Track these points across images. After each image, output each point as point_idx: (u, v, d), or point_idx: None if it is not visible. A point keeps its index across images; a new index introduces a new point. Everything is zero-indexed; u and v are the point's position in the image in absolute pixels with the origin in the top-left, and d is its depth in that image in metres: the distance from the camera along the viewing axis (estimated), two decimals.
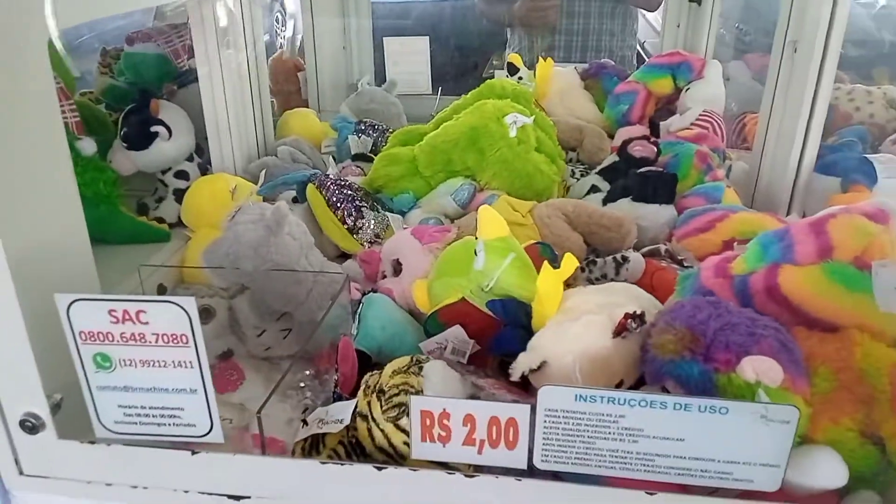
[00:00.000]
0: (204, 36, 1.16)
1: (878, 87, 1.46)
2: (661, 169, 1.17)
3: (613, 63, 1.76)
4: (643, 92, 1.56)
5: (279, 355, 0.98)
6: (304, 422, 0.73)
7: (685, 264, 0.99)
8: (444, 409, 0.59)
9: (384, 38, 1.88)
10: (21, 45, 0.61)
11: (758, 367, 0.56)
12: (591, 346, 0.64)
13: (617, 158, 1.27)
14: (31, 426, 0.64)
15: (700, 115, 1.44)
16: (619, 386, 0.68)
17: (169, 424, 0.63)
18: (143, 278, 0.94)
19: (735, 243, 0.95)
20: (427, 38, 1.84)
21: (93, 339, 0.60)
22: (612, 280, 0.93)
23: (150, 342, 0.60)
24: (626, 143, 1.27)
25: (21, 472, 0.67)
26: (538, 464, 0.60)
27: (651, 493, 0.59)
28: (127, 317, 0.59)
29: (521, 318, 0.75)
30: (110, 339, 0.60)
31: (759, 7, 2.63)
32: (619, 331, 0.64)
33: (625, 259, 0.94)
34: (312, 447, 0.70)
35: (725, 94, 1.51)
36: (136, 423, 0.63)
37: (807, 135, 1.04)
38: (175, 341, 0.60)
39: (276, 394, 0.96)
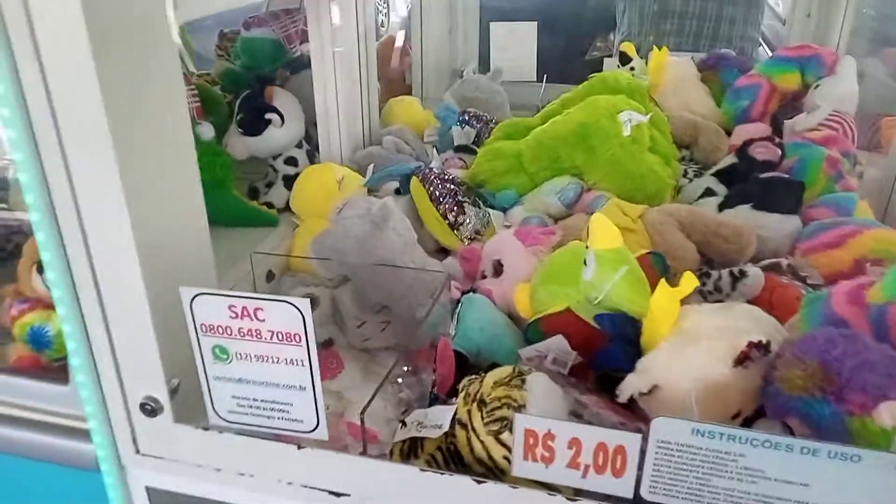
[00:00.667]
0: (318, 24, 1.17)
1: None
2: (786, 175, 1.09)
3: (734, 54, 1.65)
4: (767, 87, 1.45)
5: (377, 347, 1.00)
6: (403, 423, 0.74)
7: (808, 282, 0.92)
8: (549, 430, 0.57)
9: (491, 23, 1.84)
10: (149, 33, 0.62)
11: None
12: (710, 374, 0.61)
13: (736, 160, 1.19)
14: (150, 409, 0.67)
15: (829, 115, 1.33)
16: (735, 417, 0.64)
17: (278, 418, 0.65)
18: (254, 264, 0.97)
19: (868, 264, 0.88)
20: (535, 23, 1.79)
21: (213, 331, 0.62)
22: (728, 295, 0.88)
23: (266, 338, 0.61)
24: (746, 143, 1.19)
25: (137, 451, 0.71)
26: (646, 494, 0.57)
27: None
28: (245, 313, 0.60)
29: (629, 334, 0.72)
30: (229, 332, 0.62)
31: None
32: (742, 360, 0.60)
33: (742, 273, 0.89)
34: (411, 450, 0.71)
35: (859, 92, 1.39)
36: (247, 414, 0.66)
37: None
38: (289, 339, 0.61)
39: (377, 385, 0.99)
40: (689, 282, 0.66)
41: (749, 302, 0.81)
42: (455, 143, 1.33)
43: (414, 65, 1.76)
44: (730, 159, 1.22)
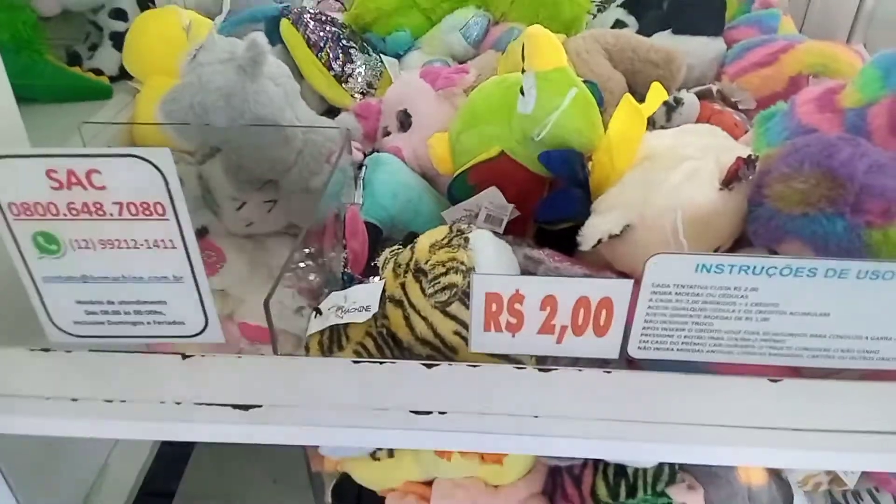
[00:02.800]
0: None
1: None
2: None
3: None
4: None
5: (263, 232, 0.82)
6: (317, 311, 0.59)
7: (740, 107, 0.84)
8: (518, 291, 0.45)
9: None
10: None
11: None
12: (695, 201, 0.50)
13: None
14: None
15: None
16: (715, 251, 0.54)
17: (148, 322, 0.48)
18: (86, 140, 0.74)
19: (810, 77, 0.81)
20: None
21: (29, 212, 0.43)
22: (663, 127, 0.78)
23: (112, 214, 0.43)
24: None
25: None
26: (634, 352, 0.47)
27: (775, 380, 0.47)
28: (74, 180, 0.41)
29: (580, 175, 0.60)
30: (53, 211, 0.43)
31: None
32: (730, 179, 0.50)
33: (678, 101, 0.79)
34: (332, 341, 0.56)
35: None
36: (102, 323, 0.48)
37: None
38: (146, 212, 0.43)
39: (270, 278, 0.82)
40: (658, 94, 0.54)
41: None
42: None
43: None
44: None
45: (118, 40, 0.97)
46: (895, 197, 0.45)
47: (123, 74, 0.95)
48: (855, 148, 0.48)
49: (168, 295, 0.47)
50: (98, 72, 0.98)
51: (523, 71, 0.60)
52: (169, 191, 0.42)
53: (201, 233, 0.81)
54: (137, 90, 0.91)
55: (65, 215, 0.43)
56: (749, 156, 0.50)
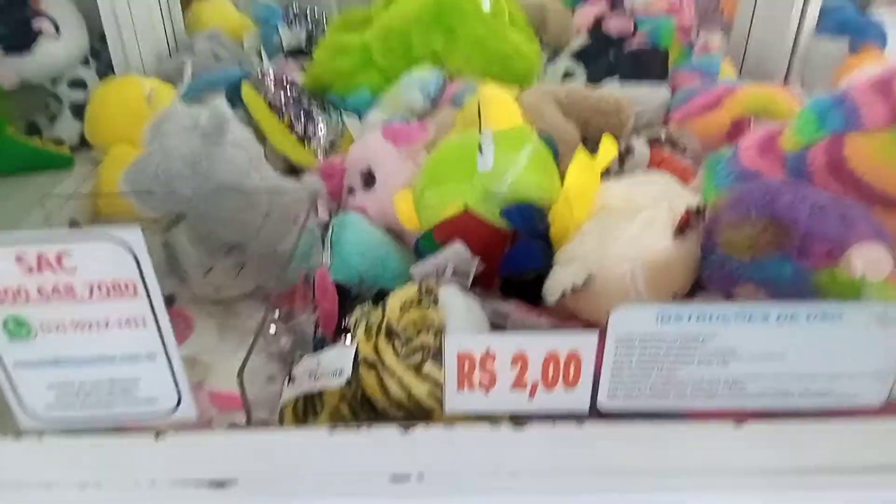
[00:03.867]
0: None
1: None
2: (646, 45, 1.04)
3: None
4: None
5: (232, 295, 0.82)
6: (290, 377, 0.59)
7: (688, 150, 0.88)
8: (489, 349, 0.46)
9: None
10: None
11: (867, 257, 0.46)
12: (651, 250, 0.52)
13: (589, 38, 1.13)
14: None
15: None
16: (673, 298, 0.56)
17: (122, 402, 0.48)
18: (48, 213, 0.74)
19: (751, 120, 0.85)
20: None
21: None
22: (617, 173, 0.82)
23: (82, 295, 0.43)
24: (598, 19, 1.13)
25: None
26: (604, 403, 0.48)
27: (740, 423, 0.49)
28: (44, 263, 0.42)
29: (540, 227, 0.62)
30: (24, 296, 0.43)
31: None
32: (683, 228, 0.52)
33: (628, 149, 0.82)
34: (307, 408, 0.56)
35: None
36: (74, 406, 0.48)
37: None
38: (117, 291, 0.43)
39: (240, 344, 0.82)
40: (610, 148, 0.56)
41: None
42: (285, 47, 1.13)
43: None
44: (582, 39, 1.16)
45: (78, 110, 0.97)
46: (838, 239, 0.48)
47: (84, 143, 0.95)
48: (796, 192, 0.51)
49: (140, 373, 0.47)
50: (59, 142, 0.97)
51: (480, 130, 0.62)
52: (140, 269, 0.43)
53: (168, 301, 0.80)
54: (99, 159, 0.91)
55: (35, 299, 0.43)
56: (698, 205, 0.53)
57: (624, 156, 0.83)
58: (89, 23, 1.01)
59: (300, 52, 1.12)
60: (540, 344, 0.46)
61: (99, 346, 0.45)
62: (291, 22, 1.16)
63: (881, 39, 0.96)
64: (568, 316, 0.61)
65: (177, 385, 0.47)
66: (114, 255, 0.42)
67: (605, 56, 1.05)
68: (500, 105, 0.60)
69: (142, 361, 0.46)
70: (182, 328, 0.79)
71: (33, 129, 1.01)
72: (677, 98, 0.95)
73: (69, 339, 0.45)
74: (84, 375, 0.46)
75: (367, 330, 0.56)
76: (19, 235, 0.42)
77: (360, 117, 0.95)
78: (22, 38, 0.92)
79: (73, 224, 0.79)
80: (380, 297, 0.70)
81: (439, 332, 0.51)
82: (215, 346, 0.81)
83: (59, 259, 0.41)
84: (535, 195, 0.62)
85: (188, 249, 0.78)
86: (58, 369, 0.46)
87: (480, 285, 0.69)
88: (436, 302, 0.54)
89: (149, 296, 0.44)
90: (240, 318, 0.83)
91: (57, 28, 0.93)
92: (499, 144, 0.61)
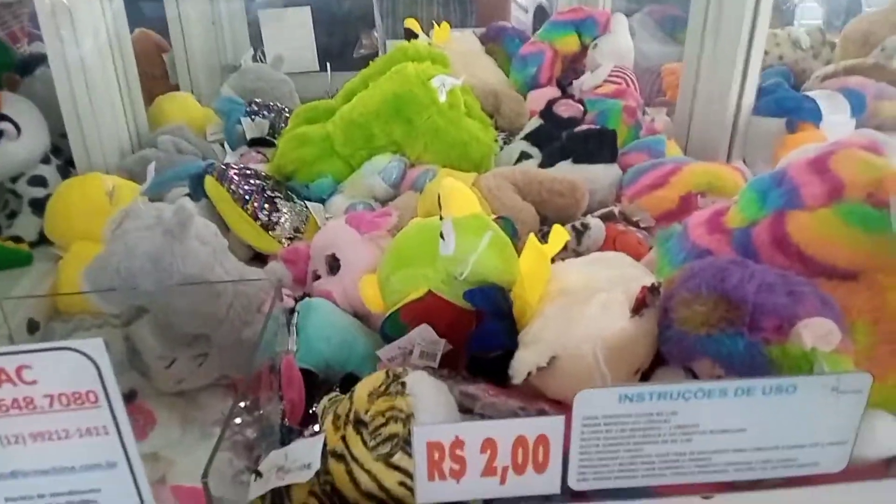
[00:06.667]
0: (52, 11, 0.93)
1: (780, 29, 1.46)
2: (596, 127, 1.10)
3: (512, 25, 1.67)
4: (550, 52, 1.48)
5: (195, 386, 0.81)
6: (256, 472, 0.57)
7: (641, 225, 0.91)
8: (458, 437, 0.46)
9: (259, 11, 1.69)
10: None
11: (816, 331, 0.48)
12: (610, 330, 0.54)
13: (541, 122, 1.18)
14: None
15: (612, 70, 1.39)
16: (635, 373, 0.58)
17: None
18: (6, 314, 0.73)
19: (698, 197, 0.89)
20: (308, 8, 1.66)
21: None
22: (574, 250, 0.84)
23: (42, 407, 0.42)
24: (550, 103, 1.18)
25: None
26: (574, 485, 0.49)
27: (707, 497, 0.49)
28: (4, 377, 0.41)
29: (503, 307, 0.63)
30: None
31: None
32: (639, 307, 0.54)
33: (585, 226, 0.85)
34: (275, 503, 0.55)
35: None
36: None
37: (745, 77, 0.99)
38: (78, 402, 0.43)
39: (203, 436, 0.80)
40: (560, 235, 0.59)
41: None
42: (248, 138, 1.16)
43: (178, 61, 1.53)
44: (535, 122, 1.21)
45: (38, 207, 0.97)
46: (786, 314, 0.50)
47: (43, 240, 0.95)
48: (744, 270, 0.54)
49: (101, 482, 0.45)
50: (17, 239, 0.96)
51: (441, 217, 0.64)
52: (101, 379, 0.42)
53: (129, 396, 0.79)
54: (59, 256, 0.90)
55: None
56: (652, 284, 0.55)
57: (581, 233, 0.86)
58: (51, 119, 1.02)
59: (264, 142, 1.15)
60: (508, 429, 0.46)
61: (58, 456, 0.44)
62: (255, 114, 1.19)
63: (816, 116, 1.03)
64: (535, 394, 0.62)
65: (139, 492, 0.46)
66: (75, 367, 0.41)
67: (557, 138, 1.09)
68: (458, 195, 0.63)
69: (102, 470, 0.45)
70: (143, 424, 0.77)
71: None
72: (628, 176, 0.99)
73: (28, 451, 0.44)
74: (43, 488, 0.45)
75: (335, 420, 0.55)
76: None
77: (323, 203, 0.97)
78: None
79: (32, 324, 0.78)
80: (347, 381, 0.69)
81: (408, 421, 0.51)
82: (178, 439, 0.79)
83: (18, 372, 0.41)
84: (496, 277, 0.64)
85: (150, 343, 0.77)
86: (16, 482, 0.44)
87: (448, 366, 0.69)
88: (403, 388, 0.54)
89: (110, 404, 0.43)
90: (202, 410, 0.81)
91: (18, 128, 0.94)
92: (459, 231, 0.63)
